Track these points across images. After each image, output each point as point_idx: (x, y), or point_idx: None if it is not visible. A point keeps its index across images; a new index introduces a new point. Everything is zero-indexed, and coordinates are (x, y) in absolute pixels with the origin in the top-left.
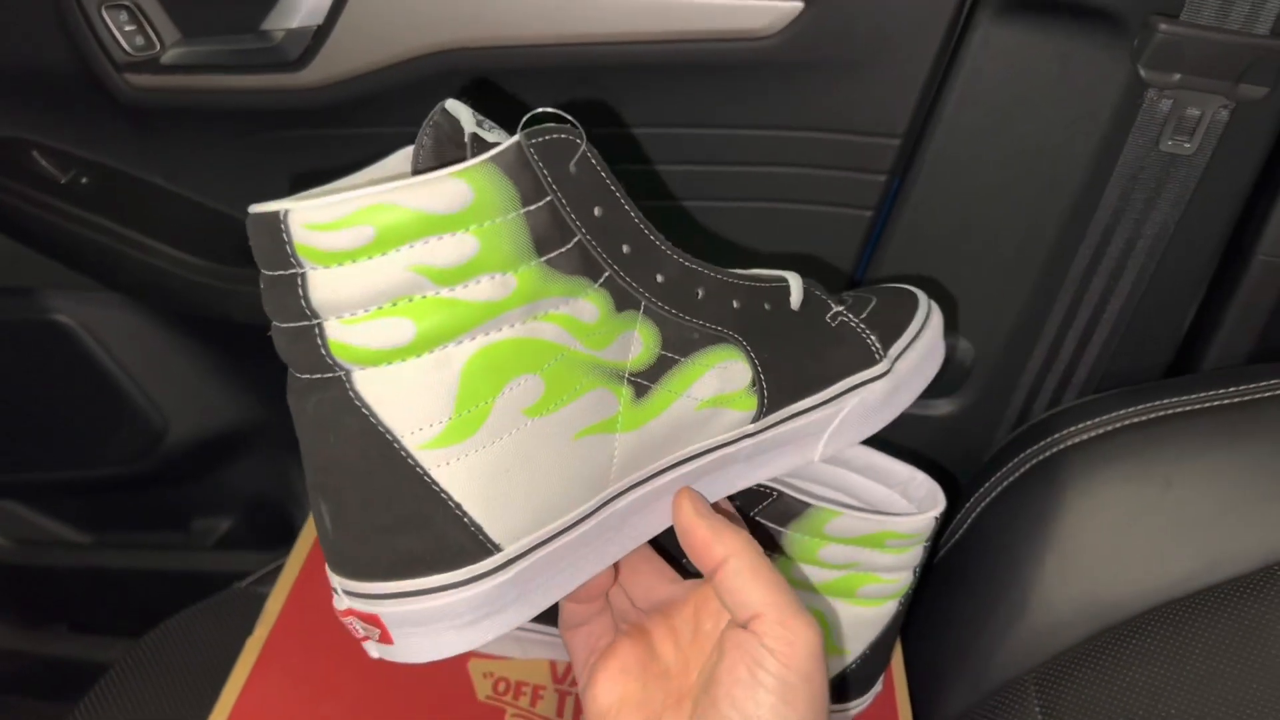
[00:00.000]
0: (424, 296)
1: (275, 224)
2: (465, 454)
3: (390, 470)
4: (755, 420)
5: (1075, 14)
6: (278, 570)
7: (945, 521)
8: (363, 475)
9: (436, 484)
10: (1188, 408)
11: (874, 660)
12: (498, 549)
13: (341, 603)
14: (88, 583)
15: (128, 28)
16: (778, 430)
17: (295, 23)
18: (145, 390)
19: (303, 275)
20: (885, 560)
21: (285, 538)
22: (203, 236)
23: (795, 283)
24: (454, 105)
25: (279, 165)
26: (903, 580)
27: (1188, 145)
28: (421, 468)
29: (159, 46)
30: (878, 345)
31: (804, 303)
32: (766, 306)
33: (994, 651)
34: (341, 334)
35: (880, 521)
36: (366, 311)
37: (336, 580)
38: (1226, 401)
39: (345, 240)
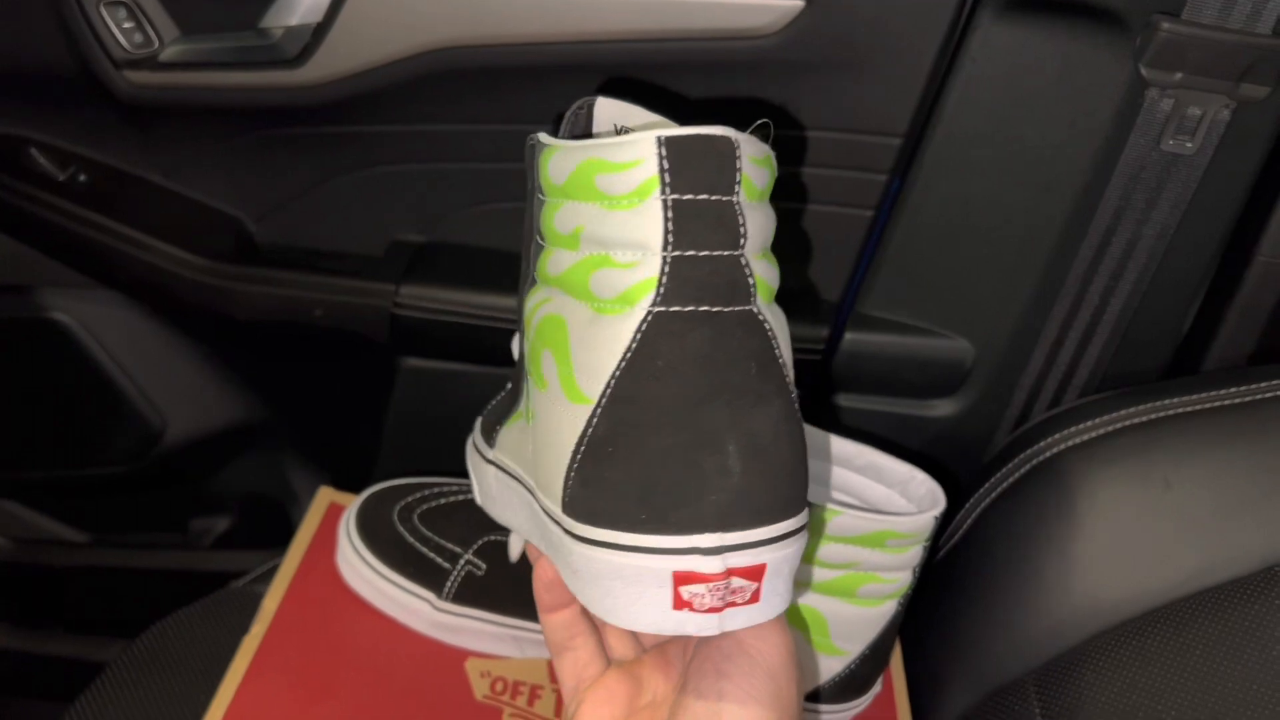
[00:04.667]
0: (768, 251)
1: (730, 149)
2: (796, 400)
3: (789, 410)
4: None
5: (1077, 13)
6: (274, 569)
7: (945, 522)
8: (780, 413)
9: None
10: (1188, 408)
11: (873, 661)
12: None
13: (718, 566)
14: (85, 582)
15: (126, 25)
16: None
17: (294, 20)
18: (143, 389)
19: (739, 204)
20: (885, 560)
21: (283, 537)
22: (201, 234)
23: None
24: (606, 101)
25: (277, 162)
26: (902, 580)
27: (1189, 145)
28: (797, 408)
29: (158, 44)
30: None
31: None
32: None
33: (994, 652)
34: (759, 269)
35: (880, 521)
36: (762, 251)
37: (719, 538)
38: (1227, 402)
39: (762, 179)
